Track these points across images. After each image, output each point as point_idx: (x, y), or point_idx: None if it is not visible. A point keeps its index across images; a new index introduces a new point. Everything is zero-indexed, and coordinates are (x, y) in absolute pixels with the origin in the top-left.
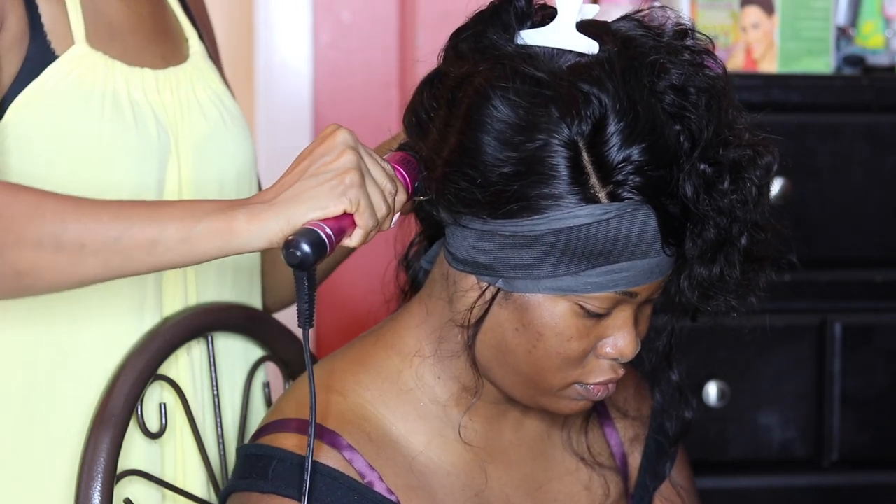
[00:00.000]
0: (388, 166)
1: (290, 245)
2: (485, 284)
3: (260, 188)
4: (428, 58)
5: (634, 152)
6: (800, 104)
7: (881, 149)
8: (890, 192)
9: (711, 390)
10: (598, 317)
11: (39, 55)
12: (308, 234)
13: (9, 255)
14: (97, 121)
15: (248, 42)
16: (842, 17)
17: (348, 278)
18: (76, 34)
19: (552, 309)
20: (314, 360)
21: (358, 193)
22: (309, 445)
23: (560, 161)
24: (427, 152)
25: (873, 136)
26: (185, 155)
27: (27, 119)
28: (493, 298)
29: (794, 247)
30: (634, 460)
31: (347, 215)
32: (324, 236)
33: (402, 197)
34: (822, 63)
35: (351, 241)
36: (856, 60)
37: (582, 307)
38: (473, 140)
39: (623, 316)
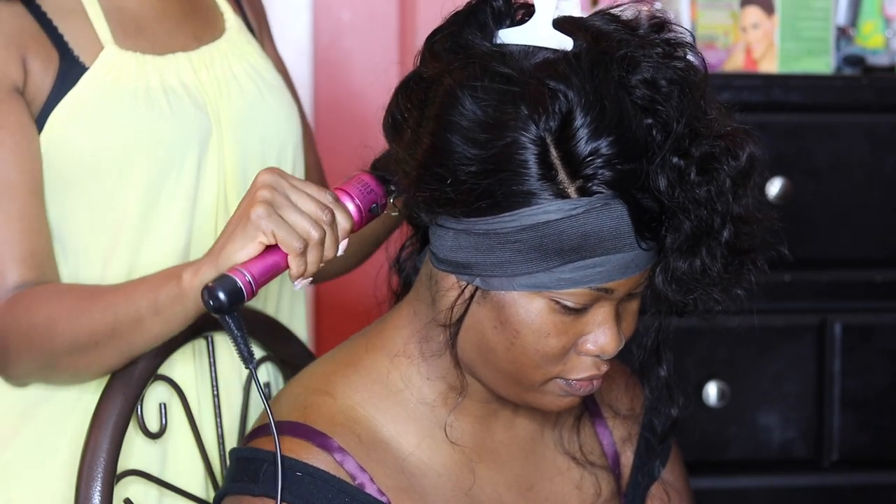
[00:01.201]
0: (325, 195)
1: (205, 293)
2: (464, 283)
3: (314, 160)
4: None
5: (602, 145)
6: (800, 104)
7: (881, 149)
8: (890, 192)
9: (711, 390)
10: (577, 313)
11: (70, 70)
12: (223, 281)
13: (59, 365)
14: (133, 116)
15: None
16: (842, 17)
17: (348, 279)
18: (103, 39)
19: (528, 306)
20: (313, 360)
21: (269, 224)
22: (276, 453)
23: (529, 157)
24: (402, 154)
25: (873, 136)
26: (226, 130)
27: (68, 129)
28: (471, 297)
29: (785, 239)
30: (627, 459)
31: (277, 250)
32: (240, 283)
33: (344, 223)
34: (822, 63)
35: (291, 270)
36: (856, 60)
37: (559, 303)
38: (444, 140)
39: (603, 312)
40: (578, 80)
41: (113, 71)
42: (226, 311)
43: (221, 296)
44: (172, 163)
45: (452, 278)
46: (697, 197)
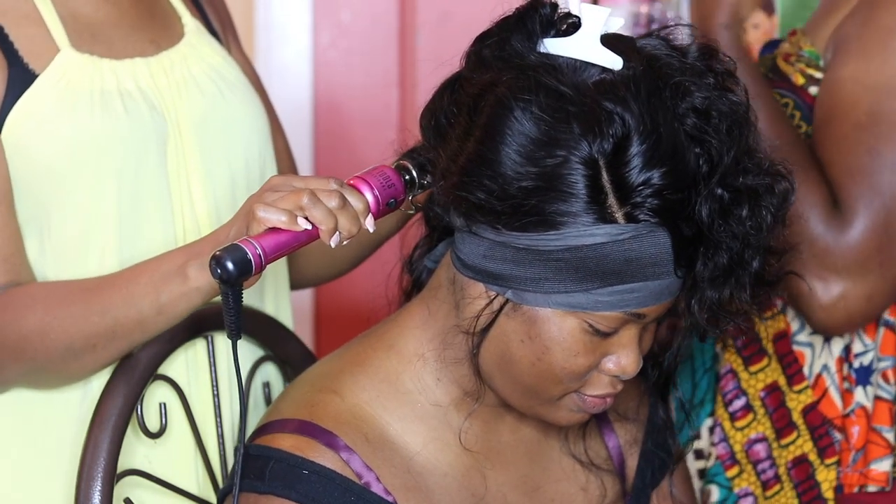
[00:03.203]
0: (328, 183)
1: (214, 261)
2: (493, 294)
3: (283, 146)
4: (428, 58)
5: (655, 175)
6: None
7: None
8: None
9: None
10: (605, 335)
11: (21, 78)
12: (234, 251)
13: (51, 370)
14: (87, 117)
15: (248, 42)
16: None
17: (348, 278)
18: (60, 42)
19: (560, 324)
20: (314, 360)
21: (272, 215)
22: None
23: (579, 179)
24: (444, 159)
25: None
26: (186, 133)
27: (22, 132)
28: (500, 308)
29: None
30: (632, 463)
31: (286, 231)
32: (250, 255)
33: (357, 204)
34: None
35: (332, 241)
36: None
37: (590, 325)
38: (493, 151)
39: (629, 334)
40: (637, 106)
41: (67, 73)
42: (233, 281)
43: (230, 266)
44: (129, 165)
45: (481, 286)
46: (735, 230)
